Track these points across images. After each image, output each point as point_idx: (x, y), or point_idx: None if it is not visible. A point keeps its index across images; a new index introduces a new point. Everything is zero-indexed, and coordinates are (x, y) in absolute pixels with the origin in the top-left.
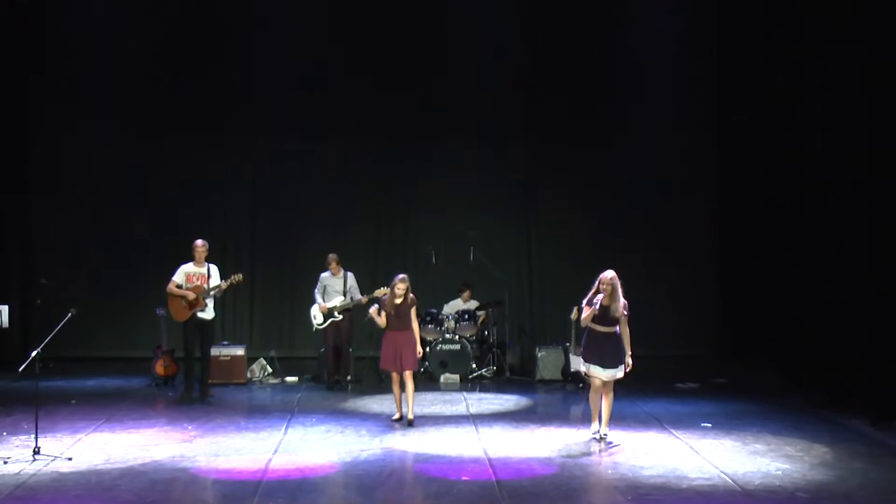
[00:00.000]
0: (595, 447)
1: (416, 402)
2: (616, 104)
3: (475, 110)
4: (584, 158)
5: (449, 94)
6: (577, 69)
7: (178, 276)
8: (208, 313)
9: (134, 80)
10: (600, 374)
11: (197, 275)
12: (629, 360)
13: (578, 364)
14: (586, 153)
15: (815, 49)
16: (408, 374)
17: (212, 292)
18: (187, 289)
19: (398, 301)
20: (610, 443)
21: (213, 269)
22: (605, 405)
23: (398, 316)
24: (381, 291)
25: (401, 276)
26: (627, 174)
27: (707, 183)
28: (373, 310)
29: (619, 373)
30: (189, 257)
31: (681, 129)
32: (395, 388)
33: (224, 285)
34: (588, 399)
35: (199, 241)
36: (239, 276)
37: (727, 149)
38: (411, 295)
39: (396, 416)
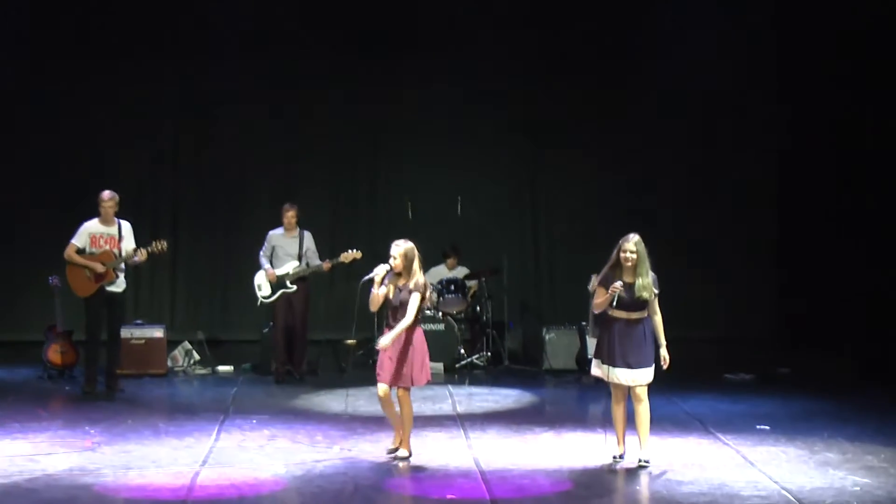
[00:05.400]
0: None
1: None
2: (649, 33)
3: (464, 21)
4: (610, 89)
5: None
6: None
7: (80, 239)
8: (118, 285)
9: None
10: (624, 378)
11: (105, 236)
12: (665, 354)
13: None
14: (613, 80)
15: None
16: (403, 392)
17: (124, 261)
18: (93, 255)
19: (399, 281)
20: (653, 471)
21: (126, 226)
22: (640, 418)
23: (397, 304)
24: (348, 255)
25: (396, 241)
26: (665, 115)
27: (767, 130)
28: (379, 271)
29: (649, 374)
30: (94, 213)
31: (733, 71)
32: (387, 407)
33: (143, 255)
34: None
35: (107, 193)
36: (163, 244)
37: (794, 101)
38: (419, 277)
39: (394, 446)
